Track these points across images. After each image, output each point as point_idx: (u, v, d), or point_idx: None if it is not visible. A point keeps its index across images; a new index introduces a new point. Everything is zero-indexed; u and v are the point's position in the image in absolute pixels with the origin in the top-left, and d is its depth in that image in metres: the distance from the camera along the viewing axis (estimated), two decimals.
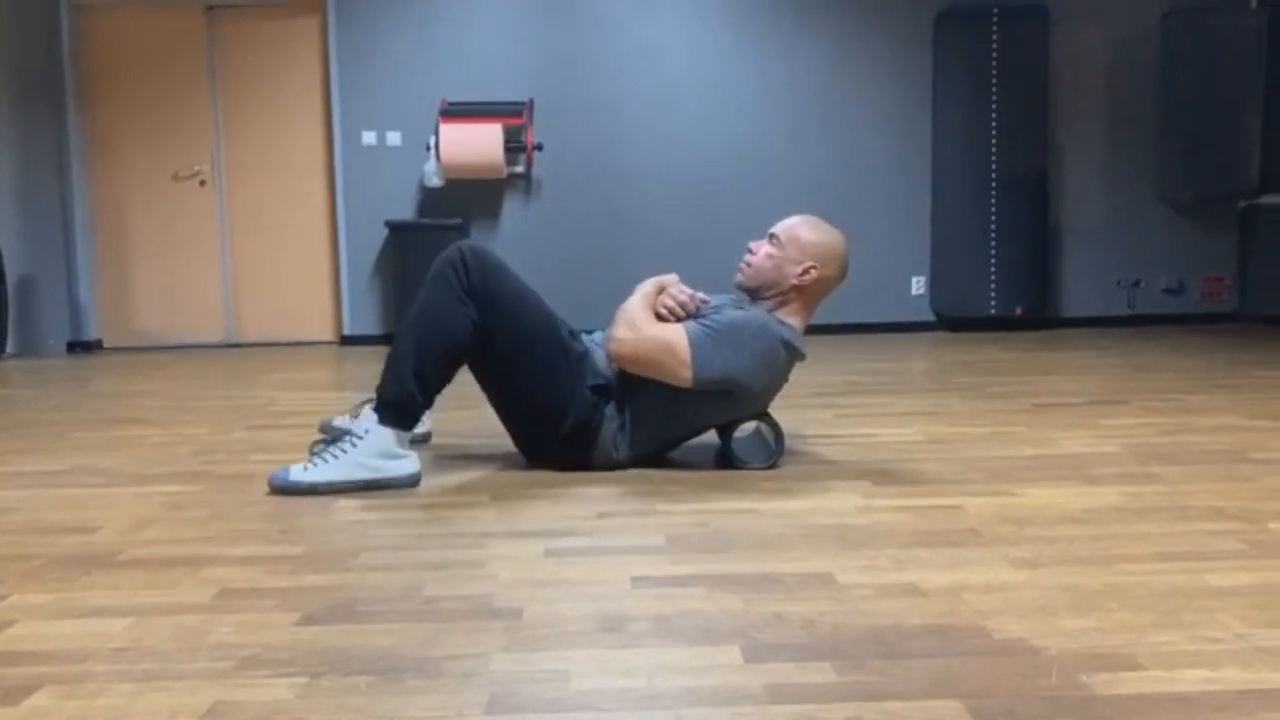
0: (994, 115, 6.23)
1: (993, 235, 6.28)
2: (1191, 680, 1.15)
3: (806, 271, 2.32)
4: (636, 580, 1.54)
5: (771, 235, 2.36)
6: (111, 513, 2.04)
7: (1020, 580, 1.51)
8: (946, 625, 1.33)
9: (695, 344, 2.20)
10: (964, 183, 6.30)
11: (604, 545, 1.74)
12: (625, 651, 1.27)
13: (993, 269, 6.28)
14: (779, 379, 2.33)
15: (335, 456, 2.19)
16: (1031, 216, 6.30)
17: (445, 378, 2.24)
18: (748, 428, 2.43)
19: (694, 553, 1.68)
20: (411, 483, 2.24)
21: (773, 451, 2.37)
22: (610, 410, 2.31)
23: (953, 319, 6.43)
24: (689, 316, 2.31)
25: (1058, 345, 5.31)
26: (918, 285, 6.52)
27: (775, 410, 3.17)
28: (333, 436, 2.30)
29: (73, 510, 2.07)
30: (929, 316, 6.52)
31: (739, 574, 1.56)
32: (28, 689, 1.18)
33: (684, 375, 2.20)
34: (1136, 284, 6.58)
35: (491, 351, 2.26)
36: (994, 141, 6.25)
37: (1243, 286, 6.54)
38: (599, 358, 2.36)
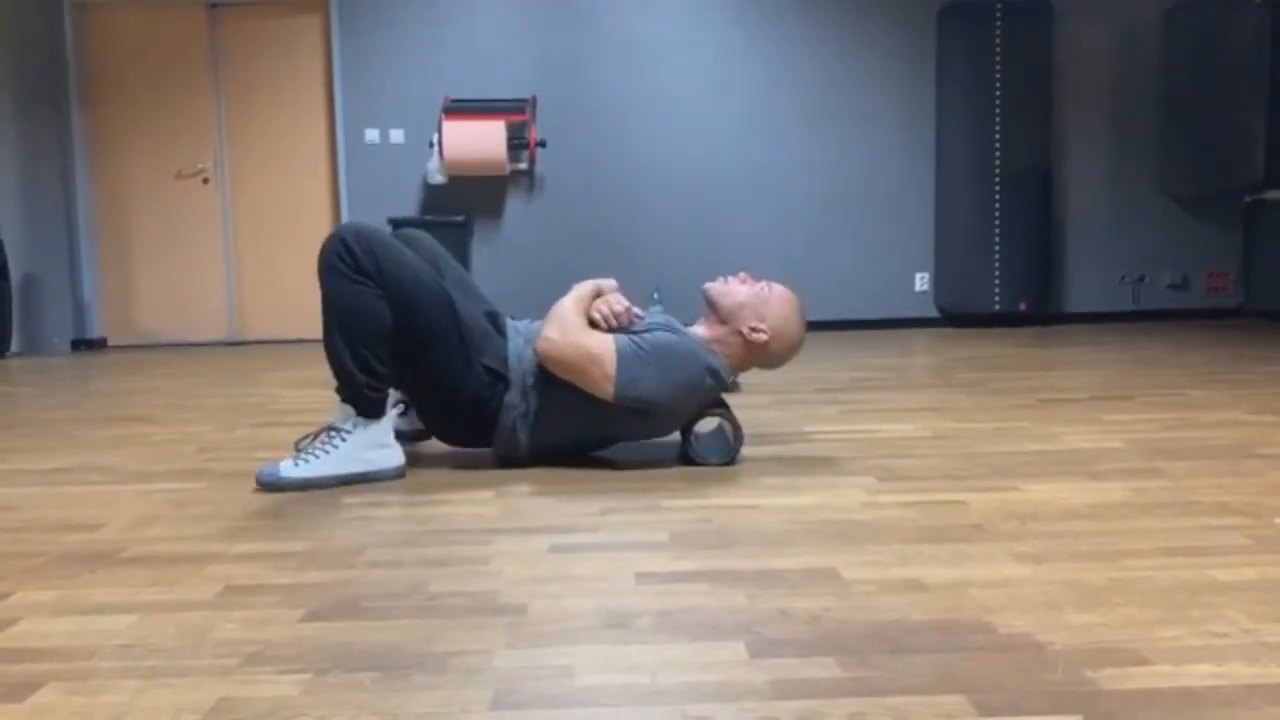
0: (998, 111, 6.22)
1: (996, 231, 6.27)
2: (1197, 675, 1.15)
3: (756, 330, 2.33)
4: (640, 576, 1.54)
5: (765, 283, 2.38)
6: (115, 510, 2.04)
7: (1025, 575, 1.51)
8: (951, 620, 1.33)
9: (622, 359, 2.19)
10: (967, 178, 6.29)
11: (608, 541, 1.74)
12: (629, 647, 1.26)
13: (996, 264, 6.27)
14: (698, 405, 2.33)
15: (325, 452, 2.19)
16: (1035, 212, 6.29)
17: (390, 355, 2.22)
18: (709, 423, 2.42)
19: (698, 548, 1.68)
20: (397, 474, 2.26)
21: (730, 448, 2.36)
22: (513, 398, 2.29)
23: (956, 315, 6.42)
24: (620, 328, 2.30)
25: (1061, 341, 5.30)
26: (921, 281, 6.51)
27: (777, 405, 3.17)
28: (316, 432, 2.30)
29: (76, 508, 2.07)
30: (933, 312, 6.51)
31: (743, 570, 1.56)
32: (32, 686, 1.18)
33: (605, 388, 2.20)
34: (1141, 279, 6.57)
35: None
36: (997, 137, 6.24)
37: (1247, 282, 6.53)
38: (514, 345, 2.33)
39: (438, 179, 6.11)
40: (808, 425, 2.87)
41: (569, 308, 2.28)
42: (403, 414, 2.75)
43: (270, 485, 2.16)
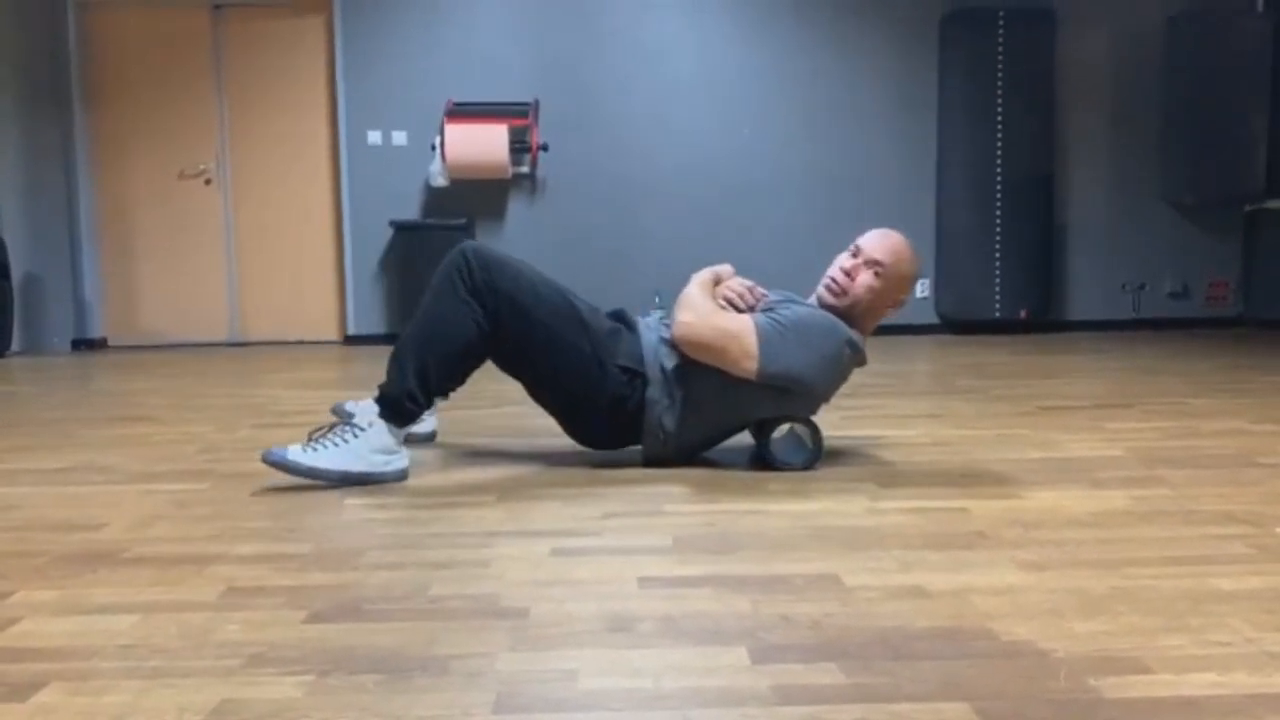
0: (999, 118, 6.23)
1: (997, 238, 6.27)
2: (1200, 684, 1.15)
3: (897, 303, 2.33)
4: (644, 580, 1.54)
5: (874, 262, 2.30)
6: (117, 510, 2.04)
7: (1027, 583, 1.51)
8: (953, 628, 1.33)
9: (763, 336, 2.19)
10: (969, 185, 6.30)
11: (611, 545, 1.74)
12: (632, 652, 1.26)
13: (997, 272, 6.27)
14: (840, 380, 2.31)
15: (336, 444, 2.19)
16: (1036, 219, 6.30)
17: (451, 378, 2.24)
18: (783, 428, 2.41)
19: (701, 553, 1.68)
20: (399, 479, 2.26)
21: (810, 452, 2.35)
22: (655, 393, 2.28)
23: (957, 322, 6.42)
24: (750, 308, 2.30)
25: (1062, 348, 5.30)
26: (922, 288, 6.51)
27: None
28: (333, 423, 2.30)
29: (78, 507, 2.07)
30: (933, 319, 6.51)
31: (746, 575, 1.56)
32: (34, 686, 1.18)
33: (748, 366, 2.19)
34: (1141, 287, 6.57)
35: (509, 346, 2.26)
36: (999, 144, 6.24)
37: (1247, 291, 6.53)
38: (648, 340, 2.32)
39: (440, 182, 6.12)
40: None
41: (696, 293, 2.28)
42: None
43: (275, 464, 2.15)
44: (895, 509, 1.96)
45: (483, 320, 2.21)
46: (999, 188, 6.26)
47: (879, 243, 2.32)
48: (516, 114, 6.18)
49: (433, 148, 6.20)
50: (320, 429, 2.27)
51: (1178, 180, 6.37)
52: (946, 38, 6.31)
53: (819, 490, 2.13)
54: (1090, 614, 1.37)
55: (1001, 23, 6.19)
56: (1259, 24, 6.22)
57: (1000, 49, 6.21)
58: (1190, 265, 6.58)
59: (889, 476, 2.26)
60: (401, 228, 5.98)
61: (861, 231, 2.49)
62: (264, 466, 2.40)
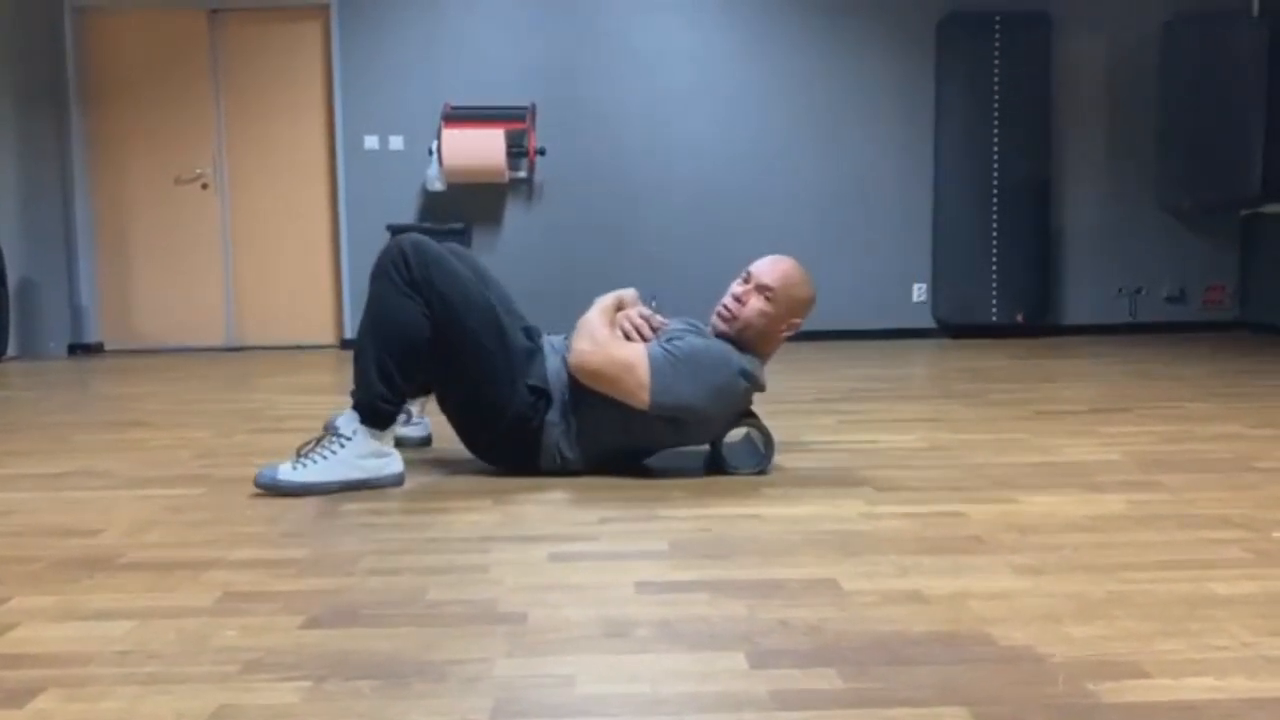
0: (996, 122, 6.24)
1: (994, 242, 6.28)
2: (1197, 688, 1.15)
3: (791, 326, 2.34)
4: (640, 585, 1.54)
5: (763, 287, 2.30)
6: (113, 515, 2.04)
7: (1024, 588, 1.51)
8: (951, 632, 1.33)
9: (656, 368, 2.19)
10: (966, 189, 6.30)
11: (608, 550, 1.74)
12: (630, 657, 1.26)
13: (994, 276, 6.28)
14: (734, 410, 2.32)
15: (324, 457, 2.19)
16: (1033, 223, 6.30)
17: (416, 371, 2.24)
18: (738, 433, 2.42)
19: (698, 558, 1.68)
20: (397, 481, 2.26)
21: (762, 457, 2.36)
22: (553, 416, 2.29)
23: (954, 326, 6.42)
24: (647, 339, 2.30)
25: (1059, 352, 5.31)
26: (919, 292, 6.52)
27: (775, 415, 3.17)
28: (319, 437, 2.30)
29: (74, 513, 2.07)
30: (930, 323, 6.52)
31: (743, 580, 1.56)
32: (31, 691, 1.18)
33: (641, 398, 2.19)
34: (1138, 291, 6.58)
35: (436, 343, 2.24)
36: (996, 148, 6.25)
37: (1244, 295, 6.54)
38: (551, 362, 2.33)
39: (437, 186, 6.12)
40: (806, 435, 2.87)
41: (596, 320, 2.28)
42: (406, 422, 2.75)
43: (268, 488, 2.16)
44: (892, 514, 1.97)
45: (426, 311, 2.21)
46: (995, 192, 6.26)
47: (769, 268, 2.33)
48: (513, 118, 6.18)
49: (430, 152, 6.20)
50: (307, 444, 2.27)
51: (1174, 184, 6.37)
52: (943, 42, 6.32)
53: (815, 495, 2.13)
54: (1087, 618, 1.37)
55: (997, 27, 6.20)
56: (1254, 29, 6.22)
57: (996, 53, 6.22)
58: (1187, 269, 6.59)
59: (885, 481, 2.26)
60: (399, 232, 5.97)
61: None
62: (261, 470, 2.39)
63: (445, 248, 2.35)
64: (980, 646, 1.28)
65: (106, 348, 6.47)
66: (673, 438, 2.34)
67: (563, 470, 2.34)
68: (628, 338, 2.29)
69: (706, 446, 2.41)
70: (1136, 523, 1.87)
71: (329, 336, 6.53)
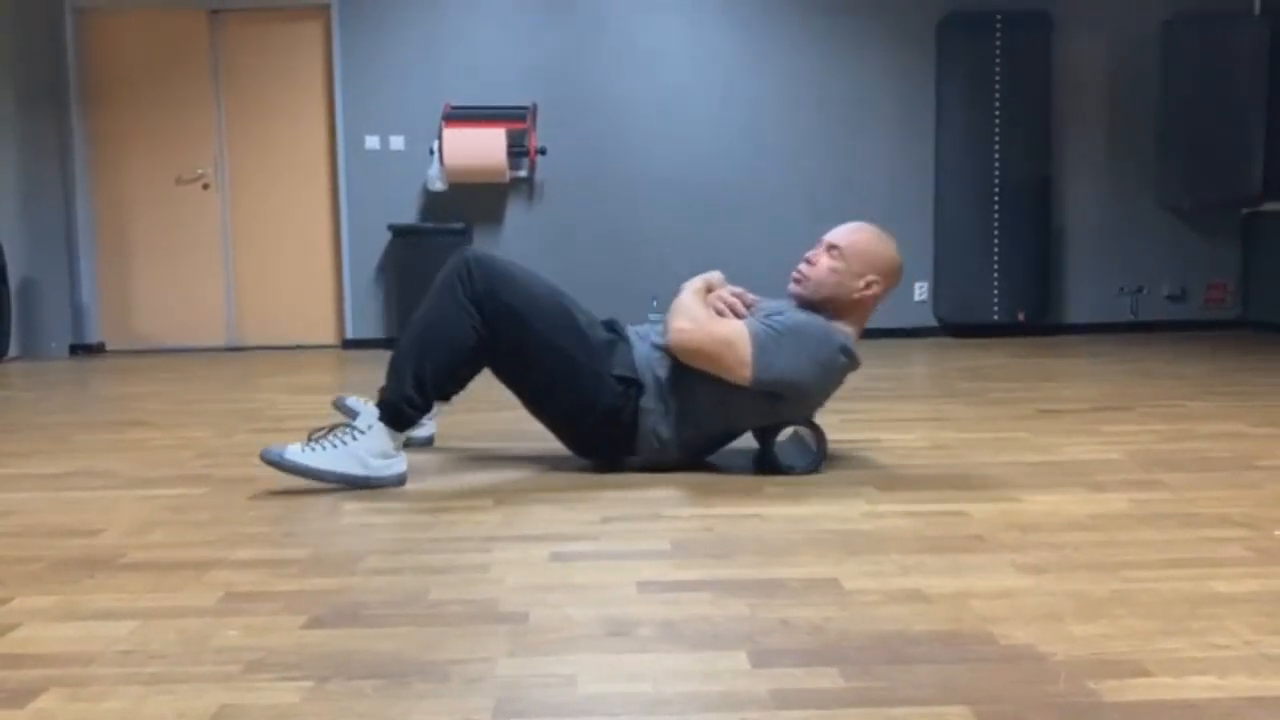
0: (997, 121, 6.23)
1: (995, 241, 6.27)
2: (1199, 687, 1.15)
3: (869, 285, 2.31)
4: (642, 585, 1.54)
5: (832, 246, 2.31)
6: (114, 516, 2.04)
7: (1026, 586, 1.51)
8: (953, 631, 1.33)
9: (757, 343, 2.19)
10: (967, 188, 6.30)
11: (609, 550, 1.74)
12: (632, 656, 1.26)
13: (995, 275, 6.28)
14: (833, 386, 2.32)
15: (335, 446, 2.19)
16: (1034, 222, 6.30)
17: (449, 383, 2.25)
18: (786, 431, 2.40)
19: (700, 558, 1.68)
20: (398, 483, 2.26)
21: (814, 455, 2.35)
22: (649, 401, 2.29)
23: (955, 324, 6.42)
24: (742, 316, 2.30)
25: (1060, 351, 5.31)
26: (920, 291, 6.51)
27: None
28: (333, 424, 2.30)
29: (75, 513, 2.07)
30: (931, 322, 6.52)
31: (745, 579, 1.56)
32: (33, 691, 1.18)
33: (742, 374, 2.19)
34: (1139, 290, 6.58)
35: (507, 353, 2.27)
36: (997, 147, 6.25)
37: (1245, 294, 6.54)
38: (640, 350, 2.33)
39: (438, 186, 6.12)
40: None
41: (690, 300, 2.29)
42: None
43: (273, 462, 2.15)
44: (894, 512, 1.96)
45: (480, 327, 2.22)
46: (996, 191, 6.26)
47: (840, 229, 2.36)
48: (514, 118, 6.18)
49: (431, 152, 6.20)
50: (320, 430, 2.27)
51: (1175, 183, 6.37)
52: (943, 41, 6.31)
53: (817, 494, 2.13)
54: (1089, 617, 1.37)
55: (998, 27, 6.20)
56: (1255, 28, 6.22)
57: (997, 52, 6.21)
58: (1188, 268, 6.58)
59: (887, 480, 2.26)
60: (399, 232, 5.98)
61: None
62: (262, 471, 2.39)
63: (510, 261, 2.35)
64: (982, 645, 1.28)
65: (108, 348, 6.48)
66: (771, 414, 2.32)
67: (660, 458, 2.33)
68: (721, 316, 2.29)
69: (756, 445, 2.41)
70: (1138, 521, 1.87)
71: (330, 336, 6.53)
